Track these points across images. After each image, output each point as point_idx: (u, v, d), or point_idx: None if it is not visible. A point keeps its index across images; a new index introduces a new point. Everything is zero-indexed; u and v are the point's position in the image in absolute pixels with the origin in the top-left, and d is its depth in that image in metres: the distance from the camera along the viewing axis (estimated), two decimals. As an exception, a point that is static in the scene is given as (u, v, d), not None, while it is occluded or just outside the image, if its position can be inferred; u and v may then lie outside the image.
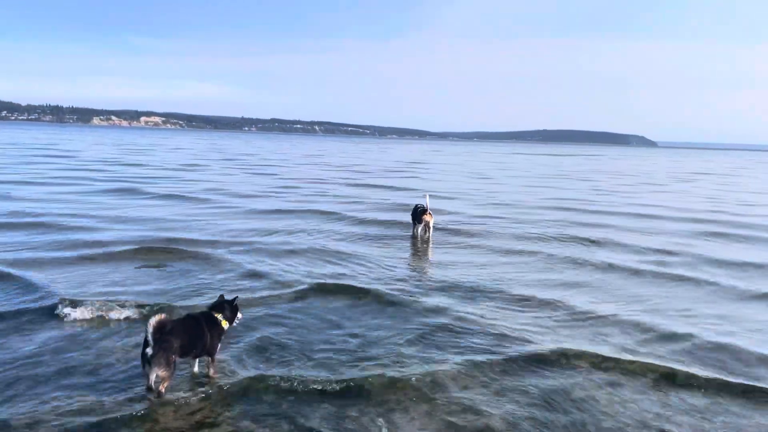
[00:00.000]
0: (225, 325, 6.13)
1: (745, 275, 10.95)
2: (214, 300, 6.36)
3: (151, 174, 29.82)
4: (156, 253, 11.19)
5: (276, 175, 32.99)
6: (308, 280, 9.40)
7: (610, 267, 11.20)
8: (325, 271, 10.24)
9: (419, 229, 13.76)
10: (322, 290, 8.99)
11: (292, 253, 11.63)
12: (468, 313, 8.03)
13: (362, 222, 15.90)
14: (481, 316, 7.92)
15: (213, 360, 6.08)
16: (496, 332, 7.33)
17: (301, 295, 8.69)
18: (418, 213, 13.71)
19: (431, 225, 13.81)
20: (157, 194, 20.86)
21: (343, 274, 10.06)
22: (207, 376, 6.05)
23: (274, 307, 8.17)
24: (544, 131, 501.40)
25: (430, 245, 13.26)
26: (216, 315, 6.08)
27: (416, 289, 9.28)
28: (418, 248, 12.99)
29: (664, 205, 22.57)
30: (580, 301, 8.84)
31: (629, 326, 7.76)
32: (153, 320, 5.31)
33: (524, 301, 8.77)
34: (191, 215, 16.17)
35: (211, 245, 11.98)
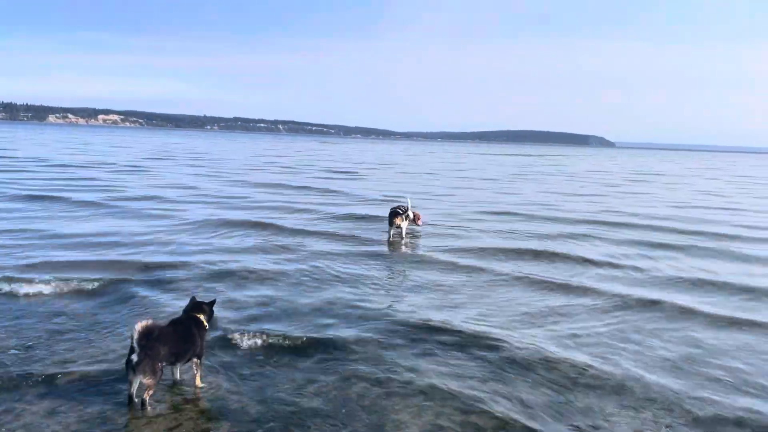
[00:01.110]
0: (206, 326, 5.89)
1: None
2: (189, 302, 6.03)
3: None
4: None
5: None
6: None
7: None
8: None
9: (392, 233, 13.45)
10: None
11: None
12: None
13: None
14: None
15: (201, 364, 5.78)
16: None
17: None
18: (391, 215, 13.39)
19: (404, 228, 13.49)
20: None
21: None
22: (196, 385, 5.72)
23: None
24: (508, 131, 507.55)
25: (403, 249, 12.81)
26: (199, 316, 5.82)
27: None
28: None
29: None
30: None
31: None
32: (138, 325, 5.05)
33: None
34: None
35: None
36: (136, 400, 5.22)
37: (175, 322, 5.73)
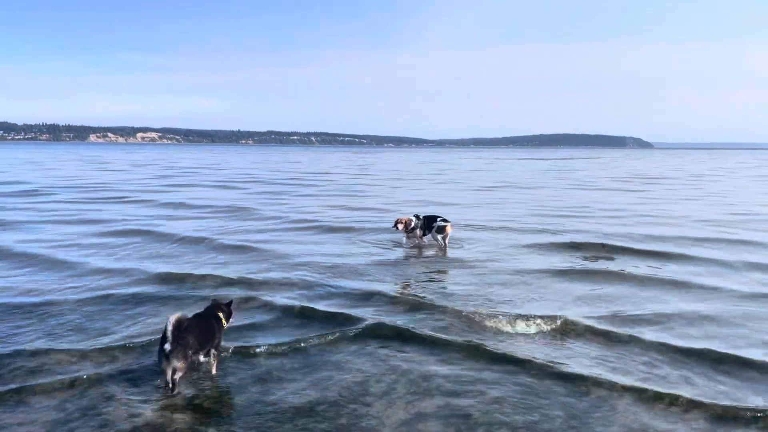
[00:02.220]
0: (224, 324, 6.54)
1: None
2: (209, 304, 6.66)
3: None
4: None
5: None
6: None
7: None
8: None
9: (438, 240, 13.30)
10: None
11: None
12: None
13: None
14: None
15: (217, 356, 6.37)
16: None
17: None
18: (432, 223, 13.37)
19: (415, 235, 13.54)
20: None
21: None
22: (212, 375, 6.30)
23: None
24: (541, 136, 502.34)
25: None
26: (220, 314, 6.49)
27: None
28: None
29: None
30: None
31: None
32: (172, 318, 5.63)
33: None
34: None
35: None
36: (169, 382, 5.77)
37: (198, 316, 6.32)
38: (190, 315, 6.15)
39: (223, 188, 29.83)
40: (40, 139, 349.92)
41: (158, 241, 13.49)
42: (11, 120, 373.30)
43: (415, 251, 12.89)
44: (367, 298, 8.84)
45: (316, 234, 14.94)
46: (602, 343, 6.97)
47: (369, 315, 7.90)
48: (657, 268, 10.96)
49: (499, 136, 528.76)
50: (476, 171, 52.31)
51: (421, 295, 9.03)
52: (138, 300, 8.60)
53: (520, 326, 7.48)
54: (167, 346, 5.57)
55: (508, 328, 7.42)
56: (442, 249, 13.03)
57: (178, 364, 5.67)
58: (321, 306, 8.32)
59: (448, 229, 13.13)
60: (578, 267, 11.03)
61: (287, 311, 8.11)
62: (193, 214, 18.48)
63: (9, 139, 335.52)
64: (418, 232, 13.59)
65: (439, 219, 13.35)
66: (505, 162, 79.61)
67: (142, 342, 6.86)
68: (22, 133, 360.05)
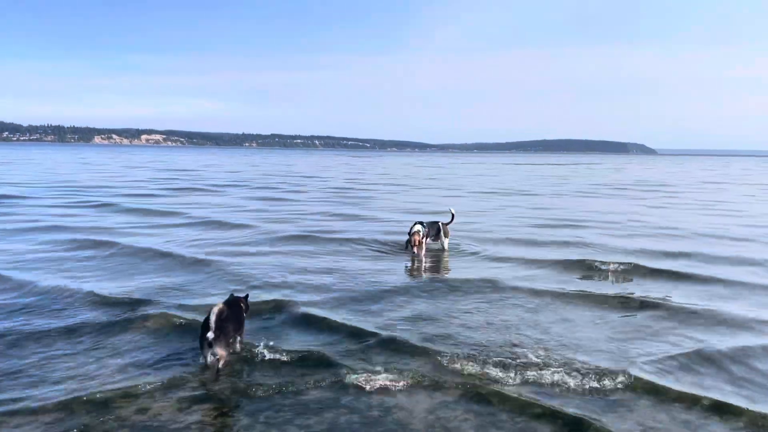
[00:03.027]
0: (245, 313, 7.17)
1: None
2: (228, 297, 7.10)
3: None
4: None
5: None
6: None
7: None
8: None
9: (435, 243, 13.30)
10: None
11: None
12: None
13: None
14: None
15: (242, 341, 6.92)
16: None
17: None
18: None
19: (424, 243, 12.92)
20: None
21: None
22: (235, 352, 6.75)
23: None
24: (544, 141, 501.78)
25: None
26: (242, 304, 7.08)
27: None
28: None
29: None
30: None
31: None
32: (215, 309, 6.13)
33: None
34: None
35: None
36: (211, 366, 6.16)
37: (230, 304, 6.73)
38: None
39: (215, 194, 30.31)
40: (45, 140, 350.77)
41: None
42: (17, 121, 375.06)
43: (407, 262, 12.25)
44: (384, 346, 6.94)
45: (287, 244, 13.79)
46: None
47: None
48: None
49: (503, 141, 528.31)
50: (479, 176, 52.59)
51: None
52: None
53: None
54: (210, 335, 5.95)
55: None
56: (444, 249, 13.33)
57: (221, 351, 6.08)
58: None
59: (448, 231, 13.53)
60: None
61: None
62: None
63: (14, 140, 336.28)
64: (426, 240, 13.08)
65: (440, 223, 13.54)
66: (520, 167, 79.87)
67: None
68: (27, 134, 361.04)
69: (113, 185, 32.16)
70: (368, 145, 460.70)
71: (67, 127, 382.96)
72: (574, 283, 10.17)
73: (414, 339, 7.08)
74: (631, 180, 48.71)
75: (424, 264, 12.02)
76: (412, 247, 12.74)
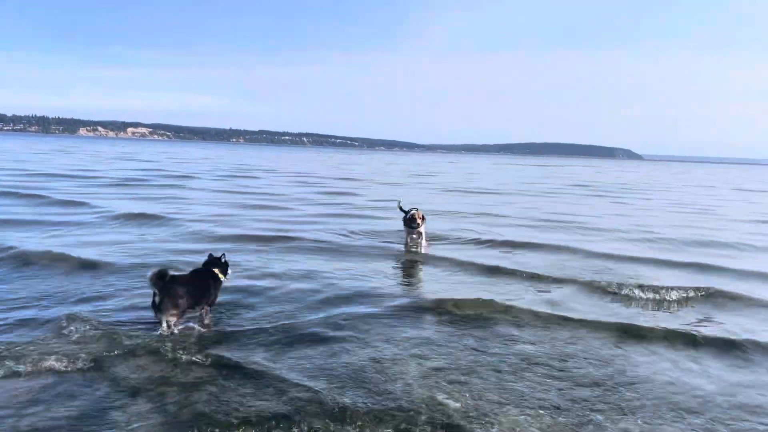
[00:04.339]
0: (222, 278, 6.86)
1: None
2: (206, 258, 6.89)
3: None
4: None
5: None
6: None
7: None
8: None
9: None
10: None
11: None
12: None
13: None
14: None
15: (209, 311, 6.76)
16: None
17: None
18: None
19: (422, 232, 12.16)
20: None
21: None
22: (203, 324, 6.64)
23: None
24: (532, 144, 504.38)
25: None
26: (216, 270, 6.78)
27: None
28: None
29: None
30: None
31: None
32: (150, 273, 6.05)
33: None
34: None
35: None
36: (165, 328, 6.18)
37: (195, 272, 6.75)
38: (182, 272, 6.67)
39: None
40: (29, 131, 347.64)
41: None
42: (2, 111, 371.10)
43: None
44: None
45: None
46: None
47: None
48: None
49: (490, 143, 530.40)
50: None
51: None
52: None
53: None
54: (156, 299, 6.08)
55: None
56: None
57: (167, 315, 6.13)
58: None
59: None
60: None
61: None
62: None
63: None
64: (423, 228, 12.17)
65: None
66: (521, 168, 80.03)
67: None
68: (11, 124, 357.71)
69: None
70: (356, 143, 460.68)
71: (52, 118, 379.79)
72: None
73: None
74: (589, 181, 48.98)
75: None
76: (411, 229, 11.88)
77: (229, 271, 6.96)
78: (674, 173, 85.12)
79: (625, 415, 4.71)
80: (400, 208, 12.94)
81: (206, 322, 6.66)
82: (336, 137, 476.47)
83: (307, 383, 5.02)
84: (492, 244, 12.71)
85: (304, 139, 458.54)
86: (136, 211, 15.44)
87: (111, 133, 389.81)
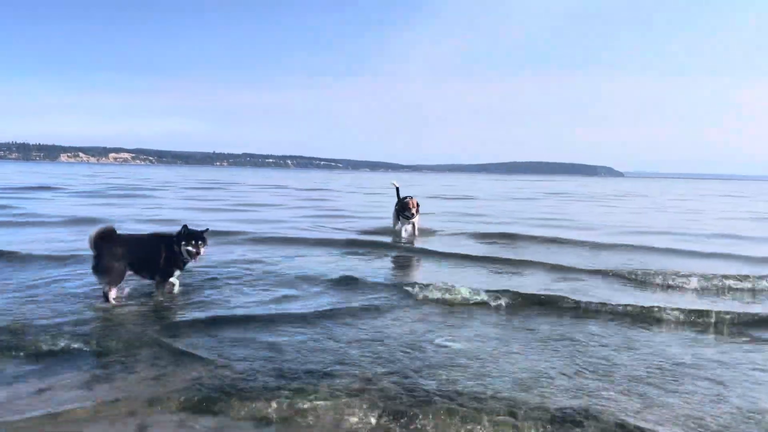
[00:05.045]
0: (184, 253, 6.33)
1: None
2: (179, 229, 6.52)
3: None
4: None
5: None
6: None
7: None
8: None
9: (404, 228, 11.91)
10: None
11: None
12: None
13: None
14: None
15: (161, 282, 6.43)
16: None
17: None
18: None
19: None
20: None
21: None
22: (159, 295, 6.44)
23: None
24: (515, 163, 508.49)
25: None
26: (172, 239, 6.35)
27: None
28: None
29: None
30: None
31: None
32: (93, 231, 5.85)
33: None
34: None
35: None
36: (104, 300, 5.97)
37: (141, 237, 6.50)
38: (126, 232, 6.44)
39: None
40: (8, 158, 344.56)
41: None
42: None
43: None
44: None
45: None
46: None
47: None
48: None
49: (474, 162, 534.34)
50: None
51: None
52: None
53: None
54: (94, 261, 5.88)
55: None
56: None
57: (102, 279, 5.90)
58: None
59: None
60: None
61: None
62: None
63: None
64: (417, 219, 11.93)
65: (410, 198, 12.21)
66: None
67: None
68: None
69: None
70: (341, 165, 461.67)
71: (33, 145, 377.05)
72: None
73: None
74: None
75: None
76: (405, 219, 11.54)
77: (202, 250, 6.41)
78: (649, 187, 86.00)
79: None
80: (397, 189, 12.70)
81: (158, 294, 6.39)
82: (320, 159, 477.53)
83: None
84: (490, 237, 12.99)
85: (288, 161, 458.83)
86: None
87: (93, 159, 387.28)
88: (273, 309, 6.22)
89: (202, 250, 6.39)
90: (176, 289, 6.57)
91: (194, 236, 6.35)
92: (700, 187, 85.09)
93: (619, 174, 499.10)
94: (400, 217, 11.90)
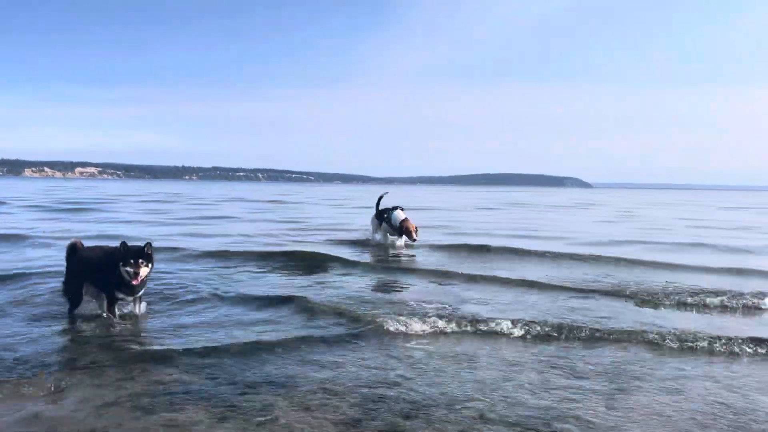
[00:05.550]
0: (123, 273, 5.60)
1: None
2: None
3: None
4: None
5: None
6: None
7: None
8: None
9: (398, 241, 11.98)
10: None
11: None
12: None
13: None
14: None
15: (104, 300, 5.94)
16: None
17: None
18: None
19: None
20: None
21: None
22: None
23: None
24: (486, 175, 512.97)
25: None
26: (115, 257, 5.67)
27: None
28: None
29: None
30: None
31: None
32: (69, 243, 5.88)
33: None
34: None
35: None
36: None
37: (97, 250, 6.03)
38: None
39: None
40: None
41: None
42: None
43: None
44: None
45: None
46: None
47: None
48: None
49: (445, 174, 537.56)
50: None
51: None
52: None
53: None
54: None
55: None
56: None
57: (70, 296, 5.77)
58: None
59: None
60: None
61: None
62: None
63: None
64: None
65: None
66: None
67: None
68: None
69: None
70: (312, 177, 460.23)
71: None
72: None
73: None
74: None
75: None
76: (408, 236, 11.49)
77: (142, 270, 5.60)
78: (613, 197, 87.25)
79: None
80: (378, 199, 12.67)
81: (104, 311, 5.98)
82: (292, 172, 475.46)
83: None
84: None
85: (259, 174, 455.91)
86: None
87: (58, 174, 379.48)
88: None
89: (141, 270, 5.58)
90: (138, 310, 6.12)
91: (132, 254, 5.58)
92: (666, 198, 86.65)
93: (588, 185, 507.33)
94: (398, 234, 11.95)
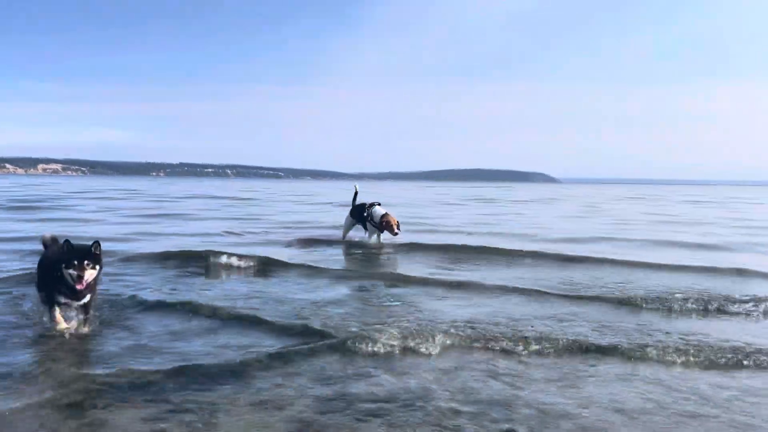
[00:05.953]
0: (66, 276, 4.88)
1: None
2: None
3: None
4: None
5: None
6: None
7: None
8: None
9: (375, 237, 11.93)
10: None
11: None
12: None
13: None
14: None
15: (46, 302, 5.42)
16: None
17: None
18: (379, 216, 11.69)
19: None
20: None
21: None
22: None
23: None
24: (454, 171, 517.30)
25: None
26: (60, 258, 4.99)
27: None
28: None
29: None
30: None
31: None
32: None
33: None
34: None
35: None
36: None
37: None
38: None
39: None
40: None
41: None
42: None
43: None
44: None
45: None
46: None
47: None
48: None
49: (415, 170, 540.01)
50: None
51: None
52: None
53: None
54: None
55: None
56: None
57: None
58: None
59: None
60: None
61: None
62: None
63: None
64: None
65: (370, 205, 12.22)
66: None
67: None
68: None
69: None
70: (282, 174, 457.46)
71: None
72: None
73: None
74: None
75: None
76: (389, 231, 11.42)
77: (87, 273, 4.84)
78: (576, 191, 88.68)
79: None
80: (354, 195, 12.52)
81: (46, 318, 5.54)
82: (262, 168, 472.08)
83: None
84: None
85: (228, 171, 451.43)
86: None
87: (20, 171, 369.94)
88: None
89: (87, 273, 4.85)
90: (73, 324, 5.26)
91: (77, 255, 4.87)
92: (628, 192, 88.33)
93: (554, 180, 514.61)
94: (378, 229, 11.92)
